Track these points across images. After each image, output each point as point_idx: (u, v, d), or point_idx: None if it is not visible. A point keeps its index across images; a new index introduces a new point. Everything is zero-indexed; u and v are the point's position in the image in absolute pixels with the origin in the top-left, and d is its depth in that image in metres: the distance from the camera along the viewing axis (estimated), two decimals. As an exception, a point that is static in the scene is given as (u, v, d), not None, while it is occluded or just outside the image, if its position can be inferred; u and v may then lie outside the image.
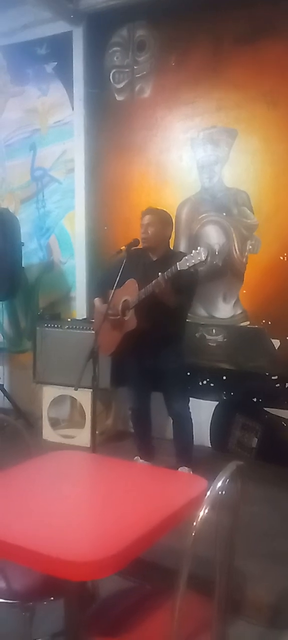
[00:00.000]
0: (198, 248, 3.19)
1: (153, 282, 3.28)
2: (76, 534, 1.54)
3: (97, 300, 3.79)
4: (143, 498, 1.77)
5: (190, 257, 3.17)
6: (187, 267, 3.18)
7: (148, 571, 2.41)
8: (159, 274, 3.25)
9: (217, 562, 1.50)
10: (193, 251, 3.19)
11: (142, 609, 1.81)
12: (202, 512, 1.40)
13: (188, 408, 3.69)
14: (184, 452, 3.68)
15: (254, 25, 4.11)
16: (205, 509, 1.41)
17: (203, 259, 3.17)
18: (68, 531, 1.56)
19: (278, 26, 4.03)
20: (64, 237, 5.18)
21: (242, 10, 4.15)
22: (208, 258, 3.93)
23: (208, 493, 1.45)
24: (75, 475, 1.98)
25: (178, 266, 3.20)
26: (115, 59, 4.75)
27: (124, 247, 3.43)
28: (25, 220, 5.21)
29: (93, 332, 3.75)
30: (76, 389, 3.34)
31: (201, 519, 1.40)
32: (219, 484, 1.47)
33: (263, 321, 4.26)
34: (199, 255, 3.14)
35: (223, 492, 1.46)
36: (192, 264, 3.17)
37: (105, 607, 1.86)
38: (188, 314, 3.82)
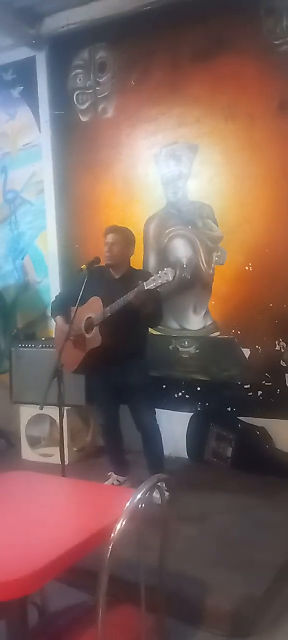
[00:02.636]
0: (165, 269, 3.18)
1: (125, 296, 3.27)
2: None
3: (59, 319, 3.77)
4: (73, 515, 1.80)
5: (158, 277, 3.18)
6: (153, 287, 3.18)
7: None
8: (141, 283, 3.21)
9: (140, 573, 1.52)
10: (160, 272, 3.19)
11: (85, 622, 1.83)
12: (120, 525, 1.43)
13: (155, 420, 3.69)
14: (155, 464, 3.68)
15: (210, 42, 4.17)
16: (123, 521, 1.44)
17: (171, 279, 3.18)
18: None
19: (233, 41, 4.09)
20: (37, 257, 5.24)
21: (197, 27, 4.21)
22: (177, 274, 3.92)
23: (127, 505, 1.48)
24: (11, 497, 2.00)
25: (145, 285, 3.20)
26: (77, 81, 4.82)
27: (84, 265, 3.47)
28: (0, 243, 5.27)
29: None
30: (41, 408, 3.37)
31: (118, 531, 1.43)
32: (138, 496, 1.50)
33: (233, 331, 4.30)
34: (166, 275, 3.15)
35: (143, 505, 1.49)
36: (160, 284, 3.18)
37: (48, 623, 1.89)
38: (161, 327, 3.80)
